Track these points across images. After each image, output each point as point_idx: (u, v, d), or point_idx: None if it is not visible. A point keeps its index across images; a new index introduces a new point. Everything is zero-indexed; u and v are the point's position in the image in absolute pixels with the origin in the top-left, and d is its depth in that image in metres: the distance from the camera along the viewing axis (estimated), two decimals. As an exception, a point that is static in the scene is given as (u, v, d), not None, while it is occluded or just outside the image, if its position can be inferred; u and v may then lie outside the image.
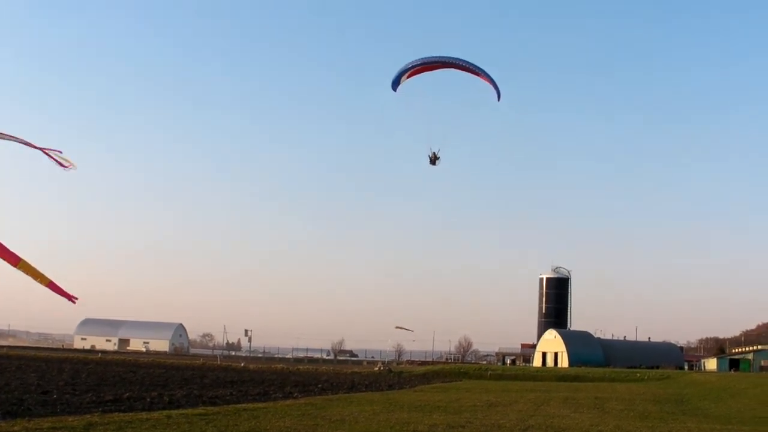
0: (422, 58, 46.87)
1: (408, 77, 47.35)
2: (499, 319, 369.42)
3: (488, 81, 46.77)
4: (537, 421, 30.51)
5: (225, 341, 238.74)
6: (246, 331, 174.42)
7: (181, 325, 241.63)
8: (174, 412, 28.76)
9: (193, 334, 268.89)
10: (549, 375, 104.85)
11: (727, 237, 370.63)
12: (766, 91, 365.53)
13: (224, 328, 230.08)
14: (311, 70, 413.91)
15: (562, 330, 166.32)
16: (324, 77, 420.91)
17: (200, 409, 30.56)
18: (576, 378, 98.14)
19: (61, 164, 27.59)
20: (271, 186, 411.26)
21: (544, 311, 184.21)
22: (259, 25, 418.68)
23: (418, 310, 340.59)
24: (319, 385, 59.38)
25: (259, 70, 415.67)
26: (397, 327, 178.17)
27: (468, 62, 46.42)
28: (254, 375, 79.62)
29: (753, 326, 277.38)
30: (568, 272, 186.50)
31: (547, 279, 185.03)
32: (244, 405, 34.15)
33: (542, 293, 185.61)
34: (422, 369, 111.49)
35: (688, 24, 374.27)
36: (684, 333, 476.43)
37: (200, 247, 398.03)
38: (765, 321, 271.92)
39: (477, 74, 46.46)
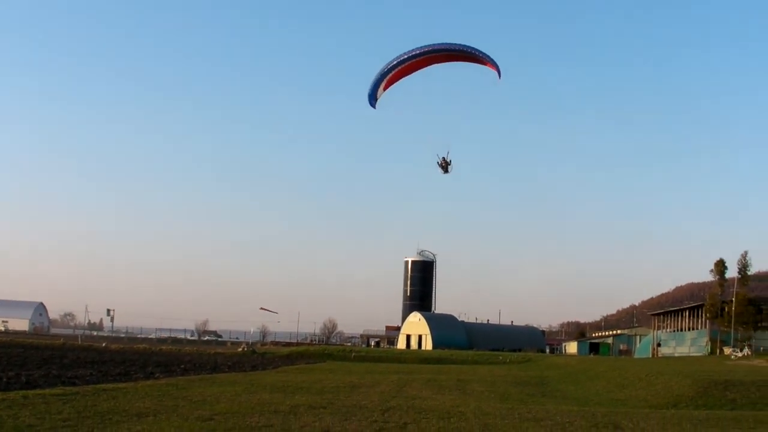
0: (397, 57, 41.01)
1: (386, 87, 42.47)
2: (365, 301, 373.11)
3: (482, 61, 41.15)
4: (398, 402, 30.89)
5: (87, 321, 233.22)
6: (108, 310, 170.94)
7: (41, 304, 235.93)
8: (31, 392, 28.17)
9: (54, 313, 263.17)
10: (413, 357, 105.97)
11: (589, 226, 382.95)
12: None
13: (86, 308, 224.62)
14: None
15: (427, 313, 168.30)
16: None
17: (58, 389, 29.98)
18: (439, 360, 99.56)
19: None
20: (129, 165, 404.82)
21: (408, 294, 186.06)
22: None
23: (284, 292, 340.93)
24: (182, 366, 58.87)
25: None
26: (261, 308, 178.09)
27: (460, 45, 40.88)
28: (116, 355, 78.48)
29: (613, 311, 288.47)
30: (433, 256, 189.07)
31: (413, 262, 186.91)
32: (103, 385, 33.61)
33: (407, 276, 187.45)
34: (286, 350, 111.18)
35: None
36: (546, 317, 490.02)
37: (62, 225, 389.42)
38: (624, 307, 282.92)
39: (471, 58, 41.04)
